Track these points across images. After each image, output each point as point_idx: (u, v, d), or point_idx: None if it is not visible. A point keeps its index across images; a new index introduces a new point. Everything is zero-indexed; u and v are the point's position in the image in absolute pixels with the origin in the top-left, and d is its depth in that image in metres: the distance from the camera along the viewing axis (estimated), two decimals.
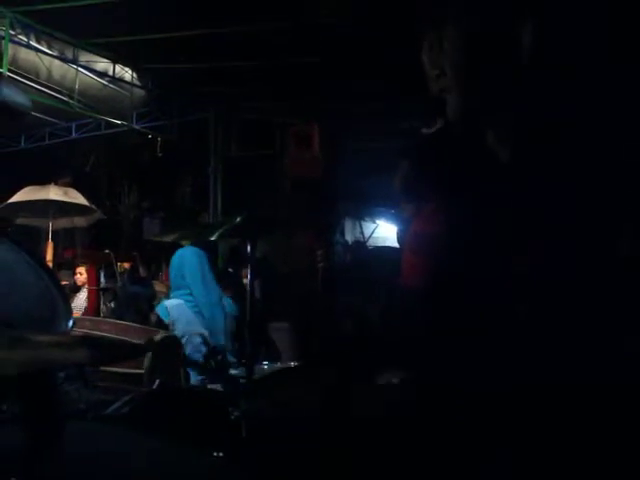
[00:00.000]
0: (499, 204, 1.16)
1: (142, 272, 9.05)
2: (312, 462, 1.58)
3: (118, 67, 8.10)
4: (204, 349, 4.05)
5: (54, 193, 7.48)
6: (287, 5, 5.82)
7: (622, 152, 1.09)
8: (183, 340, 4.04)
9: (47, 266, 1.08)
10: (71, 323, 1.02)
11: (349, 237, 11.16)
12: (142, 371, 3.38)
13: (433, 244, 1.30)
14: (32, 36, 7.04)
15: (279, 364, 3.93)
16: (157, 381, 2.36)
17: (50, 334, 0.94)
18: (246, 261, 2.37)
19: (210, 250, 4.88)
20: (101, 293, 7.62)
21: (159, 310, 4.35)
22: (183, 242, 4.70)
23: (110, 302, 7.63)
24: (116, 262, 8.07)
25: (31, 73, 7.61)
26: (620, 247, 1.10)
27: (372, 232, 12.85)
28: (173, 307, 4.24)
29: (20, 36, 6.91)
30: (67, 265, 8.18)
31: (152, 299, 6.85)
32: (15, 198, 7.48)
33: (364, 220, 13.33)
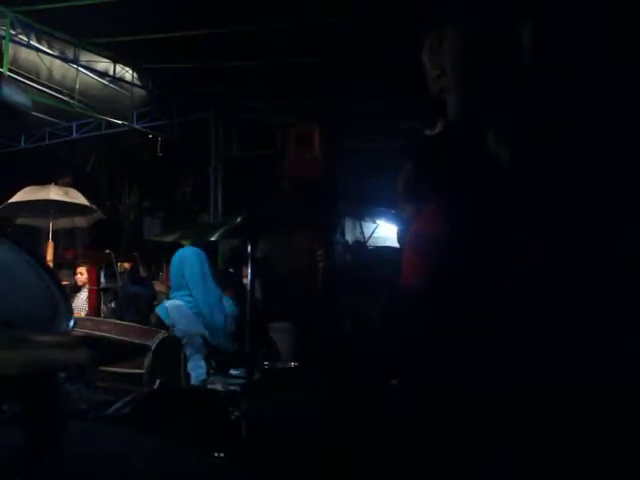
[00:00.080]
0: (499, 205, 1.16)
1: (142, 272, 9.06)
2: (312, 462, 1.58)
3: (119, 67, 8.11)
4: (204, 349, 4.06)
5: (54, 193, 7.48)
6: (287, 5, 5.82)
7: (622, 152, 1.09)
8: (183, 341, 4.04)
9: (48, 266, 1.08)
10: (72, 323, 1.02)
11: (349, 237, 11.16)
12: (142, 371, 3.39)
13: (434, 244, 1.30)
14: (33, 36, 7.05)
15: (279, 364, 3.94)
16: (157, 381, 2.37)
17: (51, 334, 0.94)
18: (246, 261, 2.37)
19: (210, 250, 4.89)
20: (101, 293, 7.62)
21: (159, 311, 4.36)
22: (183, 242, 4.71)
23: (110, 302, 7.63)
24: (116, 262, 8.08)
25: (32, 73, 7.61)
26: (620, 247, 1.10)
27: (372, 232, 12.85)
28: (173, 308, 4.24)
29: (21, 36, 6.91)
30: (67, 265, 8.18)
31: (152, 299, 6.86)
32: (15, 198, 7.48)
33: (364, 220, 13.33)
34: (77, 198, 7.71)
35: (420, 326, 1.32)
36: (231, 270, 6.91)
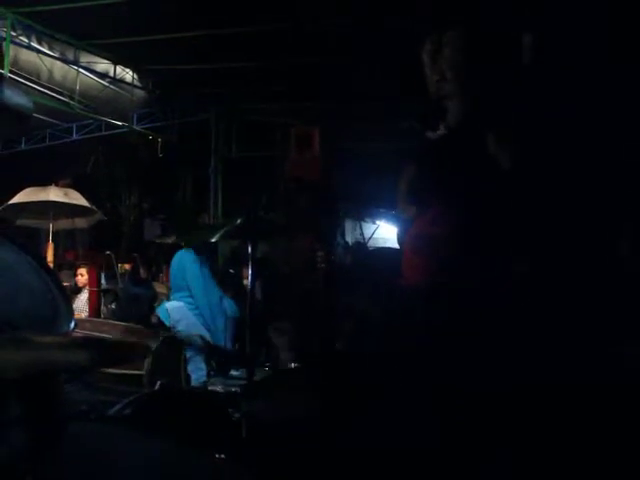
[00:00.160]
0: (500, 206, 1.16)
1: (143, 273, 9.04)
2: (312, 463, 1.58)
3: (119, 68, 8.12)
4: (205, 351, 4.05)
5: (54, 194, 7.47)
6: (287, 6, 5.83)
7: (622, 152, 1.09)
8: (184, 342, 4.04)
9: (49, 267, 1.08)
10: (72, 324, 1.02)
11: (349, 238, 11.15)
12: (143, 372, 3.39)
13: (435, 245, 1.30)
14: (33, 37, 7.06)
15: (279, 365, 3.93)
16: (158, 382, 2.36)
17: (52, 335, 0.94)
18: (247, 262, 2.37)
19: (211, 251, 4.89)
20: (102, 294, 7.61)
21: (160, 312, 4.36)
22: (184, 243, 4.71)
23: (111, 303, 7.63)
24: (117, 263, 8.07)
25: (32, 74, 7.62)
26: (620, 247, 1.10)
27: (372, 233, 12.86)
28: (174, 309, 4.24)
29: (21, 37, 6.93)
30: (68, 266, 8.18)
31: (153, 300, 6.85)
32: (15, 199, 7.48)
33: (364, 221, 13.34)
34: (77, 199, 7.71)
35: (420, 326, 1.32)
36: (231, 271, 6.90)
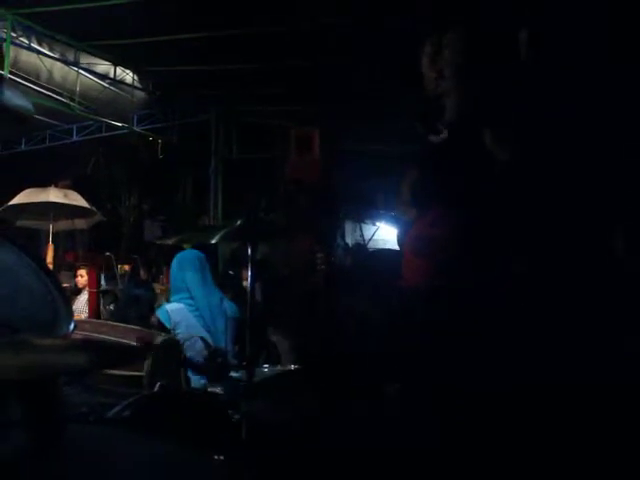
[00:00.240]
0: (500, 208, 1.16)
1: (142, 275, 9.05)
2: (313, 464, 1.58)
3: (119, 69, 8.12)
4: (205, 352, 4.05)
5: (54, 195, 7.47)
6: (287, 6, 5.83)
7: (622, 152, 1.09)
8: (184, 344, 4.03)
9: (48, 269, 1.07)
10: (72, 326, 1.02)
11: (349, 240, 11.15)
12: (143, 374, 3.38)
13: (436, 247, 1.30)
14: (33, 38, 7.07)
15: (279, 367, 3.93)
16: (158, 384, 2.36)
17: (52, 337, 0.94)
18: (247, 264, 2.37)
19: (211, 253, 4.89)
20: (101, 296, 7.61)
21: (160, 314, 4.35)
22: (184, 245, 4.70)
23: (110, 305, 7.62)
24: (116, 265, 8.07)
25: (32, 75, 7.62)
26: (620, 248, 1.10)
27: (372, 235, 12.86)
28: (174, 311, 4.24)
29: (21, 38, 6.93)
30: (68, 267, 8.18)
31: (153, 302, 6.85)
32: (15, 200, 7.48)
33: (364, 222, 13.34)
34: (77, 200, 7.71)
35: (420, 327, 1.32)
36: (231, 273, 6.91)
